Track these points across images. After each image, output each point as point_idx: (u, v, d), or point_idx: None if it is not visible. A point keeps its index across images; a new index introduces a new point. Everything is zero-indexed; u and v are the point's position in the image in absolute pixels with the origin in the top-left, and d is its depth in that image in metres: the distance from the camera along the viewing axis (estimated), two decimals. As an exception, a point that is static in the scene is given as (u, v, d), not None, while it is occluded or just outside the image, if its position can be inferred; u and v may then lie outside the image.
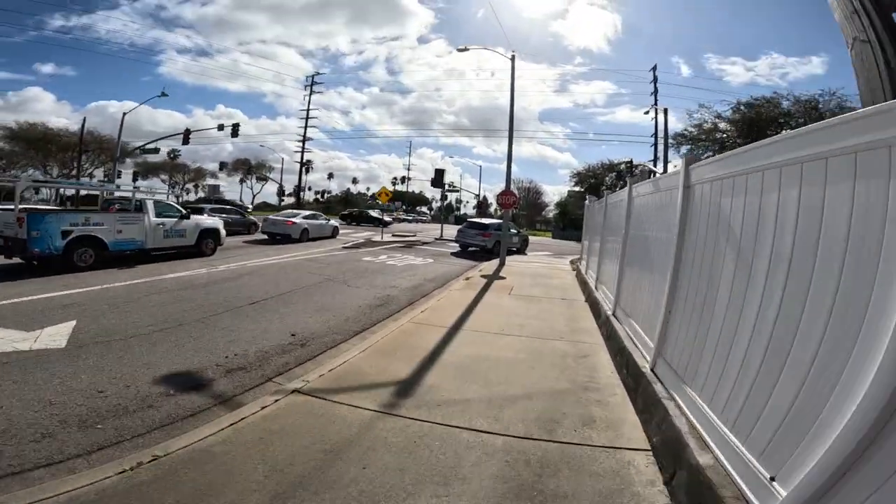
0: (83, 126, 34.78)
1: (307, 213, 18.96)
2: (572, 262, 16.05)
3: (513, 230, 19.70)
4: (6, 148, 37.41)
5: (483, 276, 10.95)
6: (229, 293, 7.52)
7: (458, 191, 56.94)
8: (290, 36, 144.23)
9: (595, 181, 48.57)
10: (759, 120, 23.47)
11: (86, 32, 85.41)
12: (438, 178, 23.65)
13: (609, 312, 5.85)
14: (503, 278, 10.91)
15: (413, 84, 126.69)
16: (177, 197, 61.75)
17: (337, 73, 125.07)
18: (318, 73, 61.78)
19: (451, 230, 34.26)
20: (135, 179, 37.20)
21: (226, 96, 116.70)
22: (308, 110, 53.53)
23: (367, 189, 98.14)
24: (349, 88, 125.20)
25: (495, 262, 14.14)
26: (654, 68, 38.17)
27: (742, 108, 25.06)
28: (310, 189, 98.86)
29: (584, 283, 9.87)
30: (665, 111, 33.15)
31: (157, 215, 10.86)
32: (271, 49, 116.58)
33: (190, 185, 64.52)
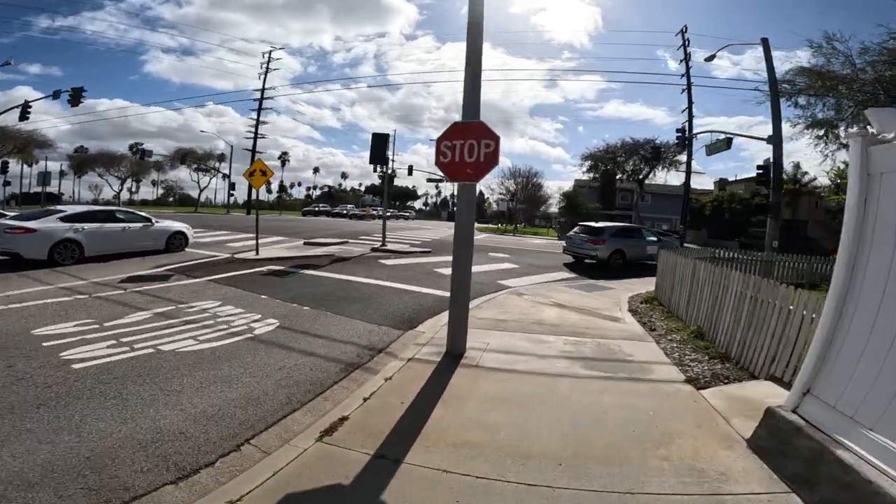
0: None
1: (84, 209, 9.46)
2: (636, 314, 6.64)
3: (651, 238, 14.04)
4: None
5: None
6: None
7: (441, 181, 47.26)
8: (275, 35, 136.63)
9: (613, 165, 38.61)
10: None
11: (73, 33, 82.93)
12: (378, 149, 13.91)
13: None
14: None
15: (401, 80, 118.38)
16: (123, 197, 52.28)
17: (325, 69, 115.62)
18: (274, 49, 52.03)
19: (407, 232, 24.00)
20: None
21: (214, 95, 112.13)
22: (263, 90, 43.71)
23: (360, 185, 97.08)
24: (337, 85, 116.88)
25: (489, 312, 4.68)
26: (684, 30, 27.58)
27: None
28: (299, 185, 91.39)
29: None
30: (764, 42, 19.46)
31: None
32: (255, 47, 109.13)
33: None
